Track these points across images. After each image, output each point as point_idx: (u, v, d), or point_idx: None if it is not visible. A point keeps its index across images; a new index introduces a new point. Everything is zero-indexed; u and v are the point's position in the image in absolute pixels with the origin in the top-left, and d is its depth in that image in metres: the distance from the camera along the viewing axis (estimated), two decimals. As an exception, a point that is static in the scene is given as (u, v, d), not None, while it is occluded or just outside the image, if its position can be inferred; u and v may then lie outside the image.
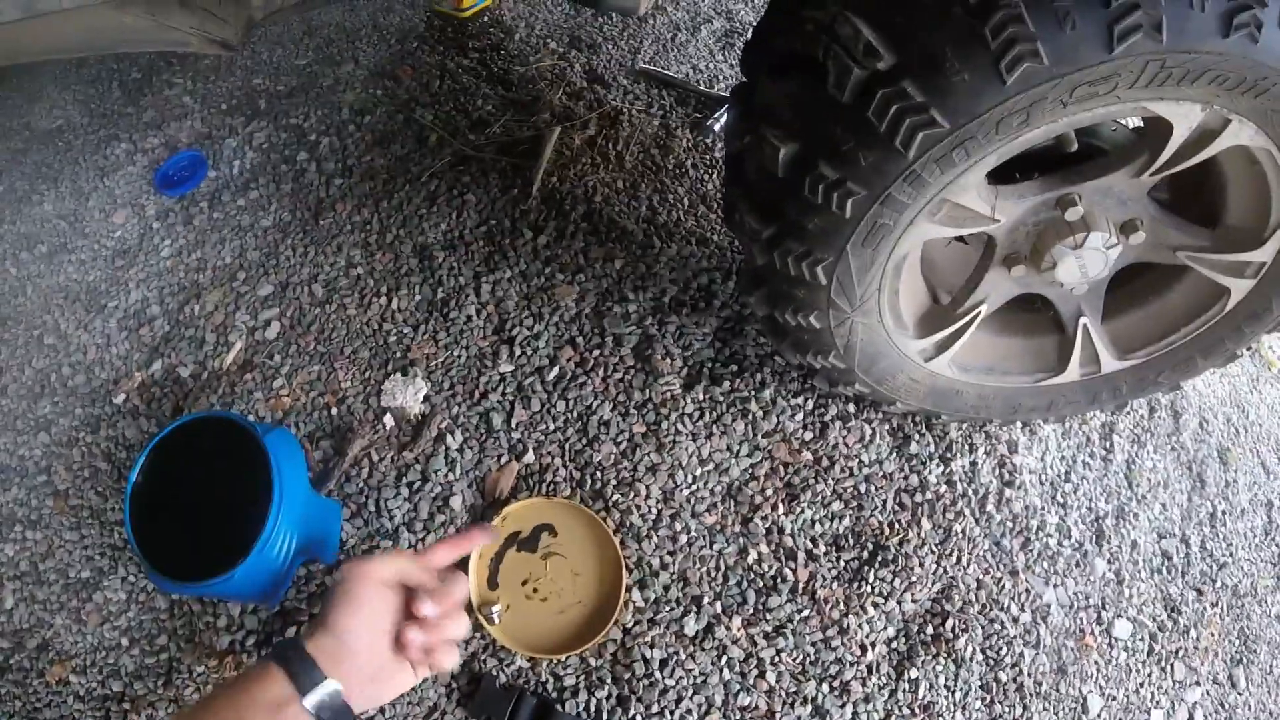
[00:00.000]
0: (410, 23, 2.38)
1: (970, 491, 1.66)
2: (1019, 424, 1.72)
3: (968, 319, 1.38)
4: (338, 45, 2.35)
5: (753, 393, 1.69)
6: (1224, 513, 1.79)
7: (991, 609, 1.56)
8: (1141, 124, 1.18)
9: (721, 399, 1.68)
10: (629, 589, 1.49)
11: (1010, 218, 1.22)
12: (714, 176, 2.00)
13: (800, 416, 1.69)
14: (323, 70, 2.28)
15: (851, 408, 1.71)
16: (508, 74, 2.20)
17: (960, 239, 1.50)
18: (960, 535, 1.62)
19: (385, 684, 0.82)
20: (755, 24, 1.33)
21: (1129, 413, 1.82)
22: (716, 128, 2.08)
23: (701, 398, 1.68)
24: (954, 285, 1.44)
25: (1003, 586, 1.58)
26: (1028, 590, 1.59)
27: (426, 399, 1.67)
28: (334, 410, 1.68)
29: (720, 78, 2.24)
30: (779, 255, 1.22)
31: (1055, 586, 1.61)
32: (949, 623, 1.53)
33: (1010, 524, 1.64)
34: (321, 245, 1.91)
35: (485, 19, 2.35)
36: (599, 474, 1.60)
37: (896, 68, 0.97)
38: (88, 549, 1.69)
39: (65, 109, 2.46)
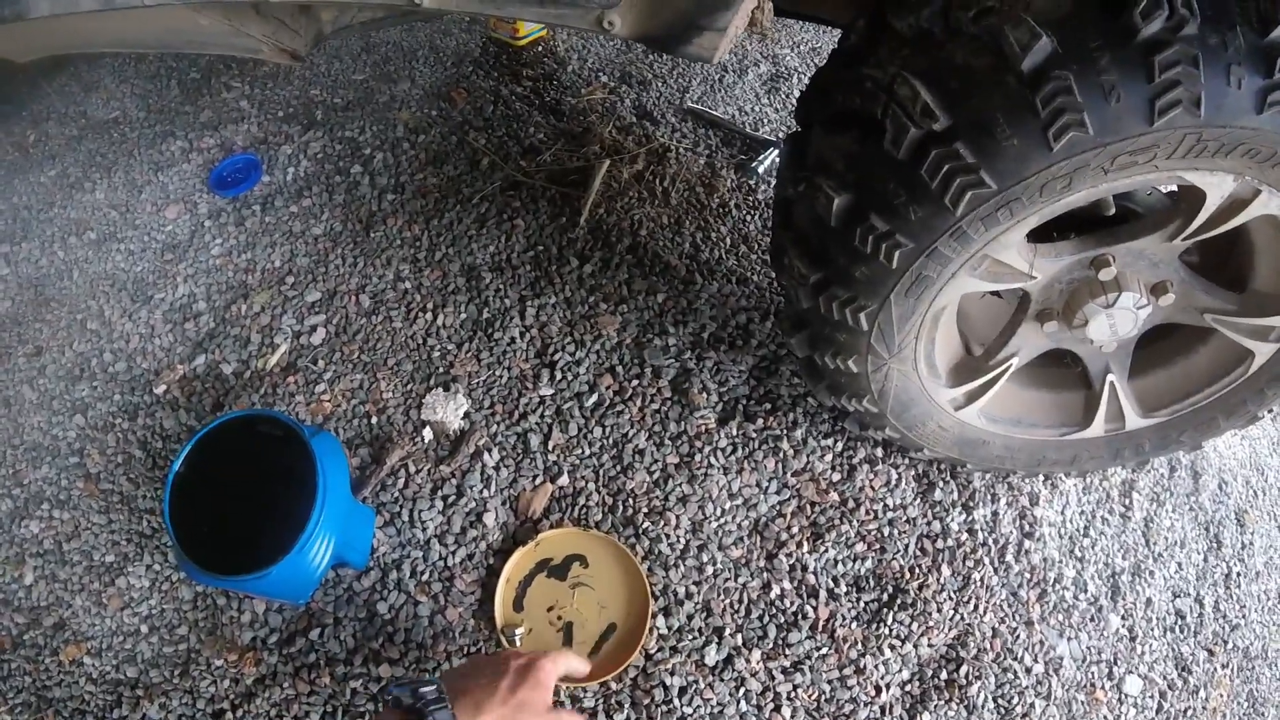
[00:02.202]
0: (466, 47, 2.41)
1: (990, 541, 1.66)
2: (1041, 476, 1.72)
3: (999, 371, 1.41)
4: (395, 63, 2.38)
5: (785, 431, 1.70)
6: (1239, 574, 1.79)
7: (1005, 658, 1.56)
8: (1175, 190, 1.21)
9: (754, 435, 1.69)
10: (654, 617, 1.49)
11: (1046, 275, 1.26)
12: (756, 218, 2.03)
13: (829, 458, 1.70)
14: (379, 86, 2.31)
15: (879, 451, 1.72)
16: (559, 104, 2.23)
17: (995, 293, 1.52)
18: (978, 583, 1.62)
19: None
20: (811, 75, 1.35)
21: (1149, 471, 1.84)
22: (760, 170, 2.10)
23: (735, 433, 1.69)
24: (987, 337, 1.46)
25: (1017, 636, 1.58)
26: (1042, 641, 1.59)
27: (466, 415, 1.68)
28: (374, 419, 1.69)
29: (765, 121, 2.27)
30: (824, 300, 1.25)
31: (1069, 639, 1.61)
32: (963, 669, 1.53)
33: (1028, 575, 1.64)
34: (371, 257, 1.92)
35: (539, 49, 2.38)
36: (631, 501, 1.60)
37: (950, 129, 1.01)
38: (114, 533, 1.69)
39: (122, 101, 2.49)
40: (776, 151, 2.15)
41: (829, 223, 1.16)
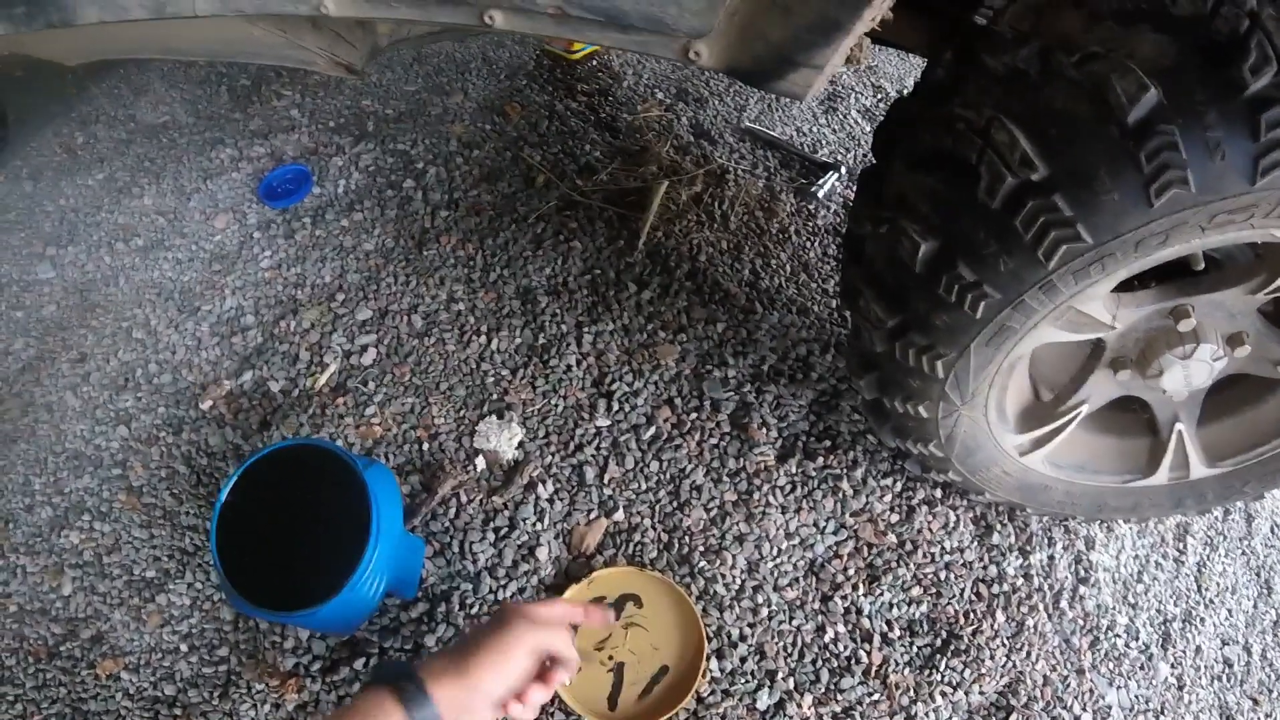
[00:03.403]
0: (519, 60, 2.38)
1: (1046, 586, 1.63)
2: (1100, 521, 1.68)
3: (1068, 418, 1.37)
4: (447, 75, 2.35)
5: (845, 470, 1.66)
6: None
7: (1055, 706, 1.52)
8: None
9: (814, 474, 1.64)
10: (708, 660, 1.45)
11: (1125, 324, 1.22)
12: (816, 244, 1.97)
13: (888, 498, 1.66)
14: (431, 99, 2.27)
15: (938, 493, 1.67)
16: (615, 121, 2.19)
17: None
18: (1032, 630, 1.58)
19: (490, 667, 0.92)
20: (891, 106, 1.30)
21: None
22: (820, 195, 2.05)
23: (794, 471, 1.64)
24: (1057, 383, 1.43)
25: (1068, 685, 1.54)
26: (1091, 690, 1.55)
27: (520, 445, 1.64)
28: (425, 445, 1.65)
29: (823, 142, 2.22)
30: (900, 346, 1.21)
31: (1118, 688, 1.57)
32: (1013, 718, 1.48)
33: (1081, 622, 1.60)
34: (424, 276, 1.89)
35: (594, 63, 2.34)
36: (687, 539, 1.56)
37: (1049, 180, 0.97)
38: (156, 549, 1.67)
39: (172, 107, 2.48)
40: (836, 175, 2.09)
41: (912, 268, 1.11)
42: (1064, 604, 1.60)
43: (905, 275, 1.13)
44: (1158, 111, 0.90)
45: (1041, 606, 1.59)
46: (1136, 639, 1.61)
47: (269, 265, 1.97)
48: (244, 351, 1.85)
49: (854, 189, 2.09)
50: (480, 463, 1.62)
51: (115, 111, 2.52)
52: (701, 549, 1.55)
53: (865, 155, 2.19)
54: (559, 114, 2.20)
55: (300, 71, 2.44)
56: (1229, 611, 1.70)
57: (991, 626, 1.55)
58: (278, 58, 1.48)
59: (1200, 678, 1.61)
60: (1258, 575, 1.77)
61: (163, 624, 1.57)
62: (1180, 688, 1.59)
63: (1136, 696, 1.56)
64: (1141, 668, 1.58)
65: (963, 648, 1.52)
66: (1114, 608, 1.62)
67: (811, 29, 1.01)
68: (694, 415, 1.68)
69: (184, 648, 1.55)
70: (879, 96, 2.43)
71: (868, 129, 2.28)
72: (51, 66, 1.64)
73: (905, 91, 2.39)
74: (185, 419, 1.79)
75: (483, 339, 1.79)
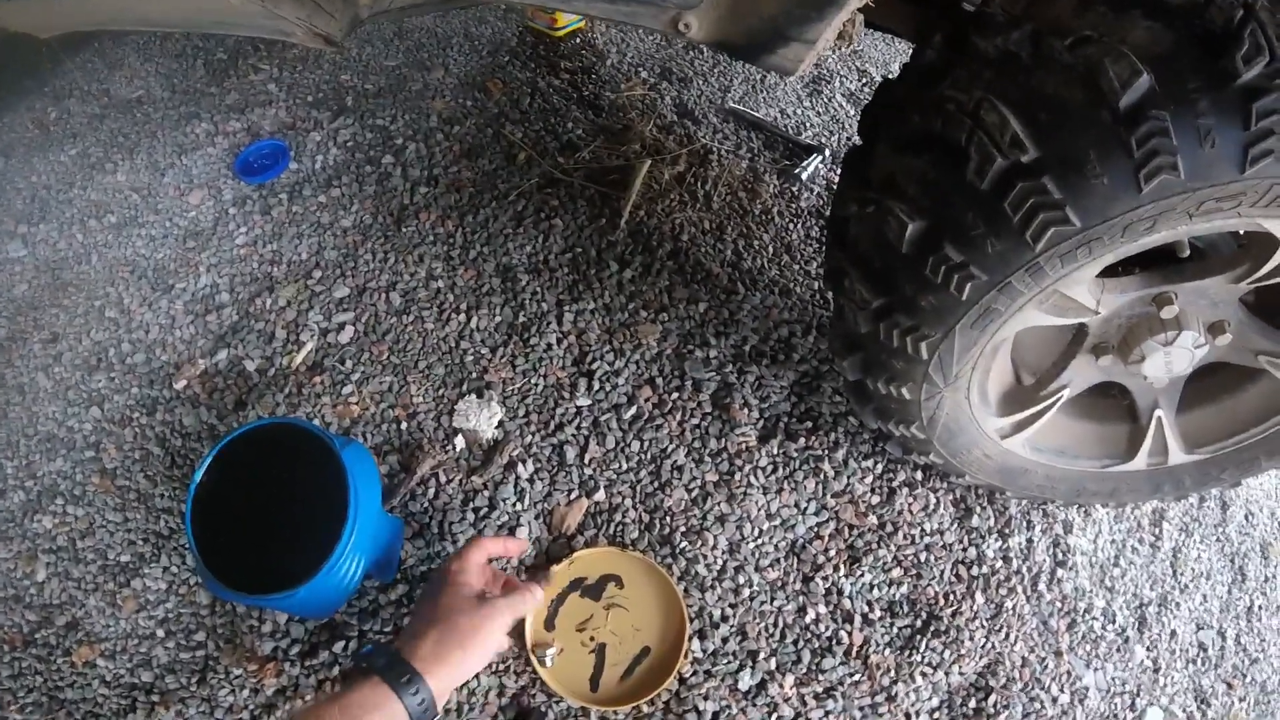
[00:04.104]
0: (502, 35, 2.35)
1: (1024, 569, 1.64)
2: (1077, 505, 1.70)
3: (1049, 402, 1.38)
4: (428, 50, 2.31)
5: (826, 452, 1.66)
6: (1261, 607, 1.77)
7: (1033, 687, 1.53)
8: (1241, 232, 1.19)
9: (795, 455, 1.64)
10: (690, 640, 1.45)
11: (1109, 310, 1.23)
12: (799, 226, 1.97)
13: (869, 480, 1.66)
14: (412, 74, 2.24)
15: (919, 475, 1.68)
16: (598, 99, 2.17)
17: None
18: (1011, 612, 1.59)
19: (474, 649, 1.07)
20: (878, 88, 1.29)
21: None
22: (804, 177, 2.04)
23: (776, 452, 1.64)
24: (1039, 367, 1.44)
25: (1046, 666, 1.56)
26: (1069, 672, 1.57)
27: (500, 424, 1.63)
28: (404, 425, 1.63)
29: (807, 125, 2.21)
30: (885, 327, 1.21)
31: (1095, 670, 1.59)
32: (991, 698, 1.50)
33: (1059, 604, 1.62)
34: (402, 253, 1.87)
35: (578, 40, 2.32)
36: (668, 519, 1.55)
37: (1038, 162, 0.97)
38: (130, 532, 1.64)
39: (146, 80, 2.44)
40: (820, 158, 2.09)
41: (899, 249, 1.11)
42: (1042, 586, 1.62)
43: (891, 256, 1.13)
44: (1149, 97, 0.90)
45: (1020, 589, 1.61)
46: (1113, 622, 1.63)
47: (244, 242, 1.94)
48: (219, 330, 1.82)
49: (838, 172, 2.08)
50: (459, 442, 1.61)
51: (89, 86, 2.47)
52: (683, 529, 1.54)
53: (849, 139, 2.18)
54: (541, 91, 2.18)
55: (278, 45, 2.40)
56: (1204, 596, 1.73)
57: (971, 608, 1.56)
58: (255, 28, 1.45)
59: (1175, 661, 1.64)
60: (1232, 562, 1.79)
61: (138, 609, 1.55)
62: (1156, 670, 1.61)
63: (1113, 679, 1.58)
64: (1118, 650, 1.60)
65: (943, 629, 1.53)
66: (1091, 591, 1.64)
67: (805, 2, 1.00)
68: (675, 395, 1.67)
69: (160, 633, 1.53)
70: (864, 81, 2.42)
71: (853, 113, 2.27)
72: (24, 40, 1.60)
73: (891, 75, 2.39)
74: (159, 399, 1.77)
75: (462, 317, 1.77)
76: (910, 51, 1.24)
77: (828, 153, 2.11)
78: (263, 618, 1.51)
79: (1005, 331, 1.18)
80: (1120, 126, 0.91)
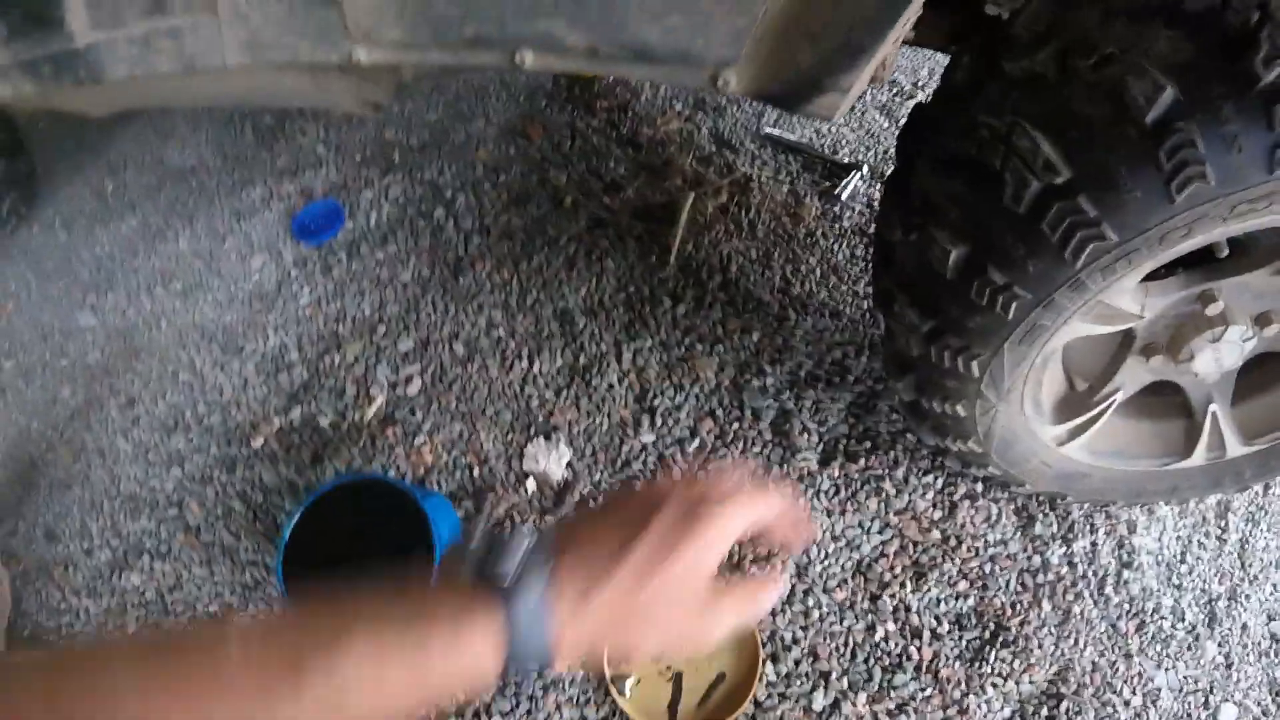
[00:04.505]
0: (537, 80, 2.42)
1: (1090, 573, 1.65)
2: (1139, 505, 1.71)
3: (1103, 406, 1.40)
4: (466, 101, 2.40)
5: (886, 470, 1.69)
6: None
7: (1105, 692, 1.54)
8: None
9: (856, 476, 1.68)
10: (763, 664, 1.49)
11: (1154, 313, 1.24)
12: (844, 246, 2.01)
13: (930, 495, 1.69)
14: (454, 126, 2.33)
15: (979, 487, 1.70)
16: (637, 135, 2.23)
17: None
18: (1079, 617, 1.61)
19: (655, 633, 0.61)
20: (913, 110, 1.33)
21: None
22: (844, 196, 2.08)
23: (837, 474, 1.68)
24: (1091, 373, 1.45)
25: (1116, 669, 1.57)
26: (1140, 674, 1.57)
27: (569, 465, 1.69)
28: (475, 471, 1.70)
29: (843, 142, 2.24)
30: (936, 348, 1.24)
31: (1166, 670, 1.59)
32: (1063, 705, 1.51)
33: (1127, 606, 1.63)
34: (461, 304, 1.94)
35: (611, 78, 2.38)
36: (737, 548, 1.59)
37: (1072, 183, 0.99)
38: (217, 584, 1.73)
39: (199, 149, 2.54)
40: (858, 175, 2.12)
41: (944, 274, 1.15)
42: (1109, 589, 1.63)
43: (937, 280, 1.16)
44: (1174, 109, 0.93)
45: (1086, 593, 1.62)
46: (1182, 620, 1.63)
47: (308, 302, 2.03)
48: (291, 388, 1.91)
49: (877, 188, 2.11)
50: (531, 484, 1.68)
51: (143, 156, 2.59)
52: (751, 556, 1.59)
53: (885, 152, 2.21)
54: (580, 132, 2.25)
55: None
56: (1274, 586, 1.71)
57: (1038, 616, 1.58)
58: (306, 100, 1.53)
59: (1248, 655, 1.62)
60: None
61: None
62: (1228, 666, 1.60)
63: (1185, 677, 1.58)
64: (1189, 648, 1.60)
65: (1011, 638, 1.55)
66: (1158, 590, 1.65)
67: (837, 53, 1.04)
68: (736, 425, 1.72)
69: None
70: (894, 91, 2.45)
71: (886, 125, 2.30)
72: (76, 116, 1.69)
73: (919, 84, 2.42)
74: (237, 457, 1.85)
75: (524, 363, 1.84)
76: (941, 64, 1.27)
77: (865, 169, 2.14)
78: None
79: (1054, 344, 1.21)
80: (1148, 141, 0.94)
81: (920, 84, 2.43)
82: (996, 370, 1.23)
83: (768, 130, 2.23)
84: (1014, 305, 1.10)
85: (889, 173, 1.39)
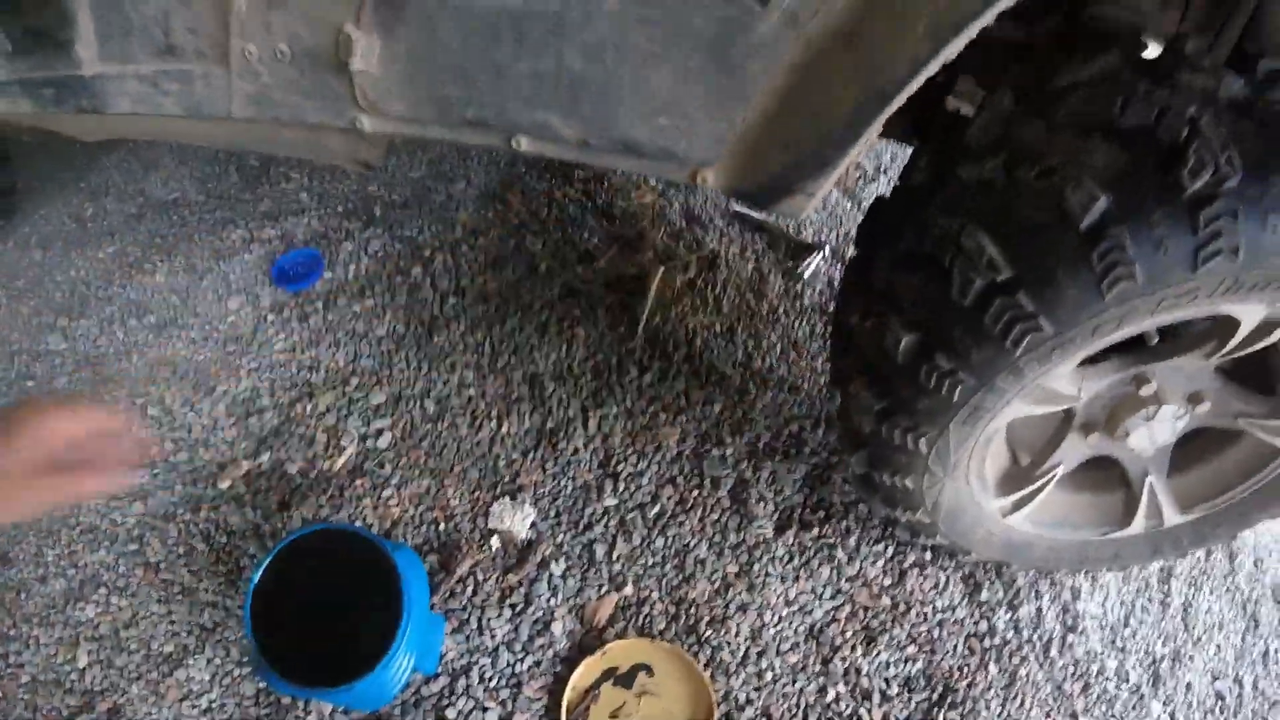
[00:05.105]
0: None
1: (1035, 637, 1.73)
2: (1083, 572, 1.80)
3: (1044, 480, 1.50)
4: (450, 162, 2.48)
5: (839, 539, 1.78)
6: (1277, 651, 1.83)
7: None
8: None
9: (810, 544, 1.77)
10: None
11: (1090, 394, 1.35)
12: (804, 323, 2.12)
13: (881, 563, 1.77)
14: (436, 186, 2.41)
15: (928, 555, 1.79)
16: (611, 207, 2.33)
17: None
18: (1024, 680, 1.68)
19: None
20: (873, 204, 1.44)
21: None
22: (806, 275, 2.19)
23: (791, 542, 1.76)
24: (1033, 448, 1.55)
25: None
26: None
27: (533, 525, 1.75)
28: (442, 526, 1.76)
29: (807, 223, 2.37)
30: (887, 426, 1.34)
31: None
32: None
33: (1072, 669, 1.70)
34: (435, 361, 2.01)
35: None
36: (693, 610, 1.67)
37: (1013, 280, 1.10)
38: (174, 624, 1.73)
39: (181, 183, 2.57)
40: (820, 255, 2.24)
41: (896, 359, 1.24)
42: (1054, 653, 1.70)
43: (890, 364, 1.26)
44: (1108, 216, 1.03)
45: (1032, 656, 1.69)
46: (1127, 681, 1.70)
47: (283, 348, 2.07)
48: (261, 433, 1.94)
49: (837, 267, 2.23)
50: (495, 542, 1.73)
51: (125, 185, 2.60)
52: (707, 619, 1.66)
53: (846, 234, 2.34)
54: (558, 201, 2.35)
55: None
56: (1217, 647, 1.79)
57: (985, 679, 1.66)
58: (298, 152, 1.59)
59: (1193, 714, 1.70)
60: (1244, 609, 1.85)
61: (182, 698, 1.63)
62: None
63: None
64: (1134, 708, 1.68)
65: (959, 700, 1.62)
66: (1103, 653, 1.72)
67: (806, 162, 1.16)
68: (695, 492, 1.80)
69: None
70: (859, 174, 2.59)
71: (848, 207, 2.44)
72: (63, 139, 1.71)
73: (881, 168, 2.56)
74: (203, 497, 1.87)
75: (493, 423, 1.90)
76: (903, 151, 1.36)
77: (827, 250, 2.27)
78: (308, 708, 1.59)
79: (996, 424, 1.31)
80: (1084, 245, 1.04)
81: (883, 168, 2.57)
82: (943, 447, 1.32)
83: (736, 208, 2.35)
84: (959, 389, 1.20)
85: (850, 257, 1.48)
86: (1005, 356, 1.14)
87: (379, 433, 1.90)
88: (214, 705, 1.62)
